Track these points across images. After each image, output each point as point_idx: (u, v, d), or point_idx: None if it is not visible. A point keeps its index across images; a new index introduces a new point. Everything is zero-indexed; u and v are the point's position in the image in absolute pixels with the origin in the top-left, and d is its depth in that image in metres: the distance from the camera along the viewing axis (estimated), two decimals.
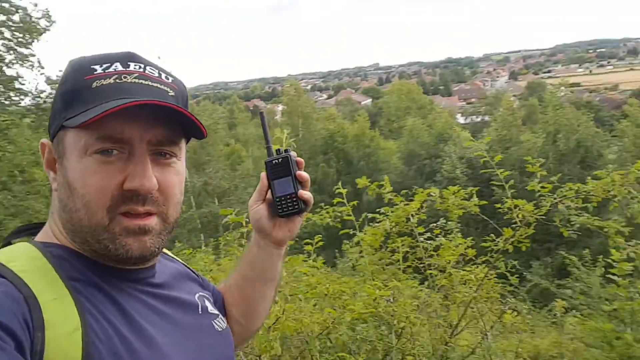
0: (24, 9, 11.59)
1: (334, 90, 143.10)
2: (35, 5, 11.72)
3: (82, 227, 0.78)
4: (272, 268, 1.10)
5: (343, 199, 3.21)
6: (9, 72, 11.47)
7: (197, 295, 0.97)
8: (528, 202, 2.93)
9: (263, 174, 1.05)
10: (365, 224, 3.36)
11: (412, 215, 3.38)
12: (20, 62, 11.54)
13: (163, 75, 0.84)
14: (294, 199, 1.01)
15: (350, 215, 3.14)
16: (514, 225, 2.95)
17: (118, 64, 0.79)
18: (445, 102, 76.43)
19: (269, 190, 1.04)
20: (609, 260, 3.95)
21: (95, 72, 0.78)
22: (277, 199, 1.02)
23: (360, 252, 3.27)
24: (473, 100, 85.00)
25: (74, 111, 0.77)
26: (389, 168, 31.34)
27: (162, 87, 0.82)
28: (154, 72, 0.82)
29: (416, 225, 3.40)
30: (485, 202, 3.17)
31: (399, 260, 3.20)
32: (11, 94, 11.54)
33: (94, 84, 0.77)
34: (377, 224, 3.42)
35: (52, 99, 10.39)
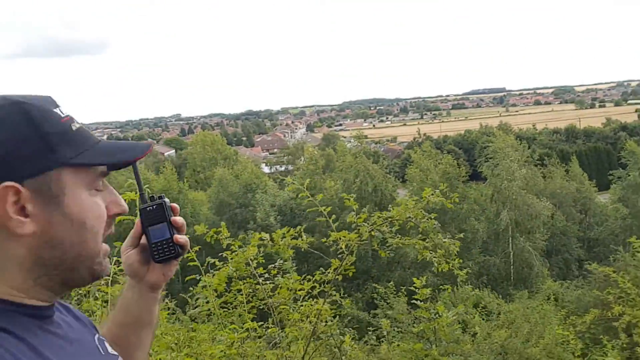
0: None
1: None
2: None
3: (82, 258, 0.85)
4: (148, 313, 1.09)
5: None
6: None
7: (95, 336, 0.97)
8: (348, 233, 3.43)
9: (138, 221, 1.05)
10: (208, 269, 3.48)
11: (250, 260, 3.63)
12: None
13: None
14: (171, 244, 1.03)
15: (195, 261, 3.24)
16: (340, 255, 3.40)
17: (60, 108, 0.87)
18: (250, 153, 78.82)
19: (144, 236, 1.05)
20: (411, 288, 4.71)
21: (63, 116, 0.85)
22: (153, 245, 1.03)
23: (206, 297, 3.37)
24: (275, 150, 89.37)
25: (74, 151, 0.83)
26: (200, 219, 30.95)
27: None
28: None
29: (255, 267, 3.65)
30: (312, 238, 3.58)
31: (242, 302, 3.39)
32: None
33: (72, 127, 0.85)
34: (217, 270, 3.57)
35: None
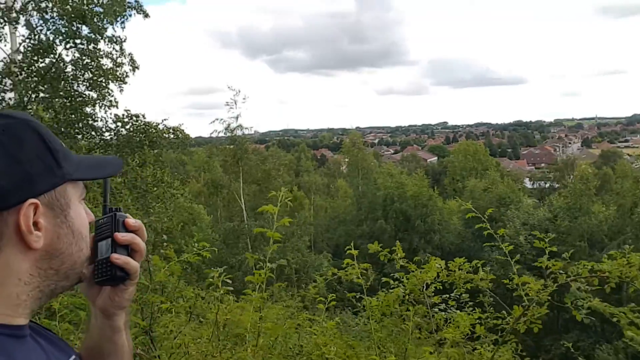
0: (110, 53, 12.75)
1: (400, 146, 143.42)
2: (121, 51, 12.84)
3: (76, 265, 0.89)
4: (108, 342, 1.01)
5: (353, 260, 3.21)
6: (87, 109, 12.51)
7: (71, 358, 0.94)
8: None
9: (92, 235, 0.96)
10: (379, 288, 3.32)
11: (426, 285, 3.32)
12: (99, 101, 12.63)
13: None
14: (108, 265, 0.92)
15: (359, 278, 3.12)
16: (524, 304, 2.82)
17: None
18: (513, 166, 74.34)
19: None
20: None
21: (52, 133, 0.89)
22: (97, 263, 0.93)
23: (368, 317, 3.22)
24: (542, 165, 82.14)
25: (73, 167, 0.88)
26: (448, 228, 30.58)
27: None
28: None
29: (432, 294, 3.33)
30: (492, 276, 3.06)
31: (406, 330, 3.13)
32: (89, 129, 12.59)
33: (63, 144, 0.89)
34: (390, 290, 3.38)
35: (116, 136, 11.05)
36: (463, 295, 3.23)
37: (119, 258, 0.93)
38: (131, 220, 0.97)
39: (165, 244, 3.89)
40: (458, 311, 3.22)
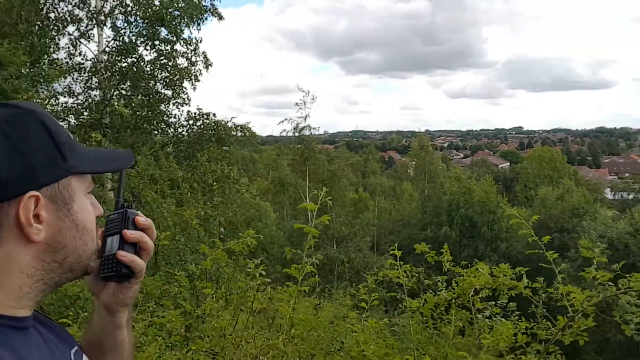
0: (185, 53, 13.44)
1: (470, 150, 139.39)
2: (194, 50, 13.49)
3: (81, 259, 0.88)
4: (108, 337, 1.01)
5: (396, 261, 3.25)
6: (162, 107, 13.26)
7: (73, 350, 0.94)
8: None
9: (101, 230, 0.97)
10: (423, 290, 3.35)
11: (476, 290, 3.29)
12: (174, 99, 13.35)
13: None
14: (114, 261, 0.92)
15: (399, 278, 3.16)
16: (569, 315, 2.75)
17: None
18: (593, 175, 70.15)
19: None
20: None
21: (61, 124, 0.88)
22: (104, 258, 0.94)
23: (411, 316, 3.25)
24: (626, 175, 76.94)
25: (79, 160, 0.86)
26: (516, 236, 29.40)
27: None
28: None
29: (479, 300, 3.30)
30: (538, 284, 2.99)
31: (451, 335, 3.13)
32: (163, 125, 13.34)
33: (71, 135, 0.88)
34: (438, 293, 3.39)
35: (187, 132, 11.62)
36: (510, 304, 3.17)
37: (125, 255, 0.92)
38: (141, 219, 0.96)
39: (222, 236, 4.11)
40: (503, 319, 3.18)
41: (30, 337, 0.82)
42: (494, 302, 3.24)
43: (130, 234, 0.93)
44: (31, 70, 9.34)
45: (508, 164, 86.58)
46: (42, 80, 9.16)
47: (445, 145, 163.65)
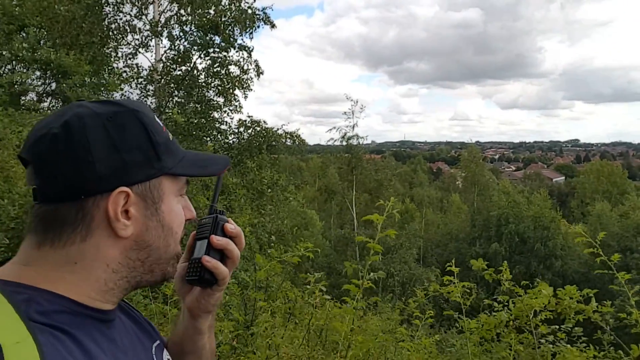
0: (238, 61, 13.65)
1: (523, 163, 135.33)
2: (248, 59, 13.69)
3: (161, 260, 0.87)
4: (188, 340, 1.02)
5: (454, 277, 3.11)
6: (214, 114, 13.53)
7: (154, 344, 0.95)
8: None
9: (193, 232, 0.99)
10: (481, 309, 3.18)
11: (535, 312, 3.10)
12: (226, 107, 13.59)
13: None
14: (199, 266, 0.92)
15: (452, 294, 3.01)
16: None
17: (156, 116, 0.90)
18: None
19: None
20: None
21: (161, 125, 0.88)
22: (191, 261, 0.95)
23: (466, 339, 3.09)
24: None
25: (173, 161, 0.86)
26: (572, 254, 28.14)
27: None
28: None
29: (539, 323, 3.11)
30: (607, 308, 2.77)
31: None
32: (215, 132, 13.59)
33: (169, 137, 0.88)
34: (494, 314, 3.21)
35: (238, 140, 11.82)
36: (576, 329, 2.96)
37: (210, 261, 0.92)
38: (230, 226, 0.96)
39: (272, 244, 4.08)
40: (568, 345, 2.96)
41: (113, 329, 0.84)
42: (557, 327, 3.04)
43: (217, 240, 0.94)
44: (93, 79, 9.75)
45: (563, 178, 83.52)
46: (102, 88, 9.55)
47: (496, 157, 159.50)
